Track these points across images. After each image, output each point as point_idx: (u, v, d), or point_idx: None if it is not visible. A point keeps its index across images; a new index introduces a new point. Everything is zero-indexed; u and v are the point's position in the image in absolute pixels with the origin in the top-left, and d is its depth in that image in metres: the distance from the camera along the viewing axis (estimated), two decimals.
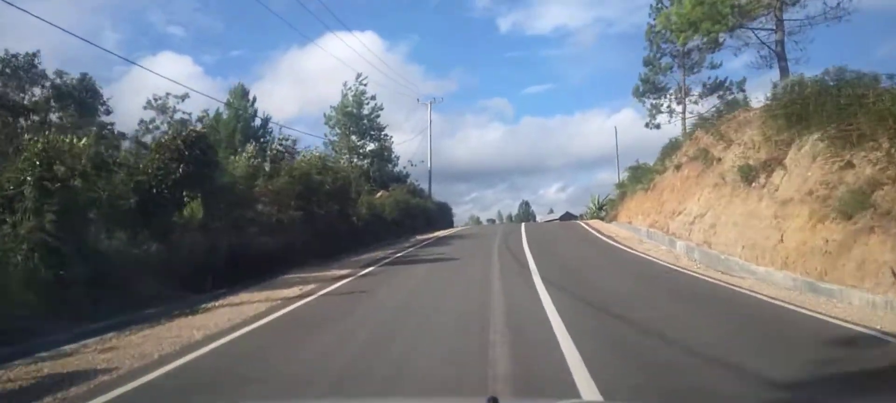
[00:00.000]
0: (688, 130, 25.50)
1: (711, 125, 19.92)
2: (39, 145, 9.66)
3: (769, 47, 23.22)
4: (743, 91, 28.60)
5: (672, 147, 24.53)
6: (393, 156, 39.14)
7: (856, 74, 12.93)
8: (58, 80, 21.46)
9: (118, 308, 9.25)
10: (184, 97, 24.14)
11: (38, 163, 9.27)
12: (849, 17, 21.41)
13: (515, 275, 11.33)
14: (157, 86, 26.46)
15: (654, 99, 33.15)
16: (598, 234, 22.81)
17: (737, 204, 14.34)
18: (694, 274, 11.47)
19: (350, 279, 12.21)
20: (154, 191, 11.58)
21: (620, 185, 32.35)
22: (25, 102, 19.85)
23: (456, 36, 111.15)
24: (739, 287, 9.55)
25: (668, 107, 32.86)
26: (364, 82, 36.88)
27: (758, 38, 23.67)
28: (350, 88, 36.96)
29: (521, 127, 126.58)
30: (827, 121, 11.98)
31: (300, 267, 14.70)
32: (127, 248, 10.65)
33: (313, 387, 4.49)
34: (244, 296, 10.09)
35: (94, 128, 13.19)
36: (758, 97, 18.25)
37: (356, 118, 36.92)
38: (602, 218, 33.36)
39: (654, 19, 30.48)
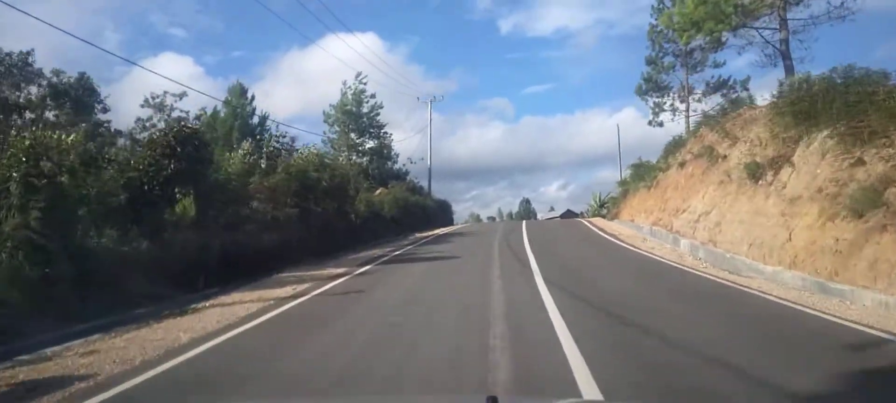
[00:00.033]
0: (692, 128, 25.21)
1: (716, 122, 19.62)
2: (27, 141, 9.40)
3: (774, 46, 22.98)
4: (747, 89, 28.46)
5: (676, 144, 24.26)
6: (392, 153, 38.94)
7: (864, 72, 12.69)
8: (54, 79, 21.32)
9: (107, 307, 8.97)
10: (182, 95, 23.97)
11: (24, 159, 8.99)
12: (853, 16, 21.19)
13: (517, 275, 11.04)
14: (159, 86, 26.20)
15: (657, 97, 32.96)
16: (600, 232, 22.52)
17: (743, 202, 14.04)
18: (701, 274, 11.17)
19: (346, 278, 11.92)
20: (145, 187, 11.29)
21: (623, 183, 32.10)
22: (21, 100, 19.68)
23: (456, 37, 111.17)
24: (749, 287, 9.25)
25: (672, 105, 32.70)
26: (363, 81, 36.68)
27: (762, 36, 23.43)
28: (349, 87, 36.77)
29: (522, 126, 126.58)
30: (836, 119, 11.70)
31: (296, 265, 14.43)
32: (117, 246, 10.38)
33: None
34: (236, 296, 9.80)
35: (84, 125, 12.87)
36: (763, 95, 18.04)
37: (355, 116, 36.67)
38: (604, 216, 33.11)
39: (657, 19, 30.25)
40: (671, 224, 18.85)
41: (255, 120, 30.48)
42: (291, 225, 16.17)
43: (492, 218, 75.33)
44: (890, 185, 9.34)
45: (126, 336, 6.63)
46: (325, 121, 37.36)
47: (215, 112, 27.98)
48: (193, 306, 8.95)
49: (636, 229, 21.74)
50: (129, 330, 7.10)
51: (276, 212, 15.94)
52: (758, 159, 14.40)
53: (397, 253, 17.73)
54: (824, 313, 7.07)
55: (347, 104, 36.57)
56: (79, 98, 22.23)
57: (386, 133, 38.07)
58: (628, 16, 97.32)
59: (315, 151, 21.00)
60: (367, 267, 13.82)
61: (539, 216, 71.87)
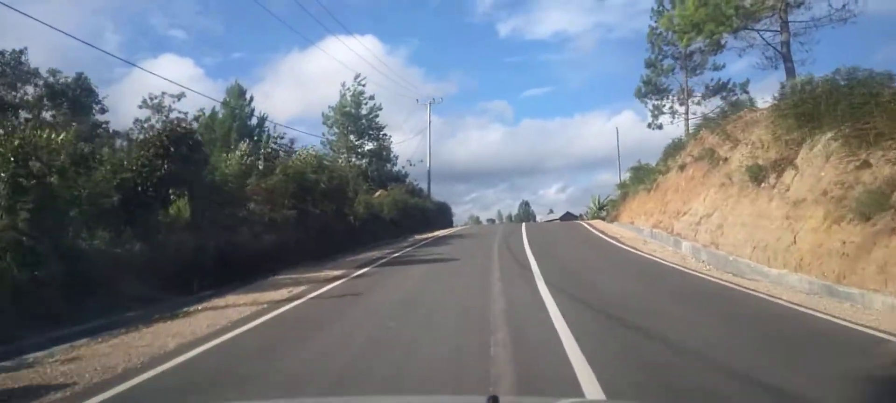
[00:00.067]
0: (692, 130, 25.05)
1: (717, 125, 19.46)
2: (16, 141, 9.19)
3: (775, 48, 22.84)
4: (746, 92, 28.32)
5: (676, 147, 24.12)
6: (392, 155, 38.73)
7: (868, 73, 12.53)
8: (51, 79, 21.11)
9: (98, 310, 8.77)
10: (180, 96, 23.72)
11: (12, 159, 8.78)
12: (855, 18, 21.04)
13: (517, 278, 10.84)
14: (158, 87, 26.01)
15: (657, 100, 32.83)
16: (600, 235, 22.33)
17: (745, 205, 13.87)
18: (705, 277, 10.98)
19: (343, 280, 11.71)
20: (139, 188, 11.07)
21: (622, 185, 31.94)
22: (14, 100, 19.49)
23: (456, 40, 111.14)
24: (755, 291, 9.05)
25: (671, 108, 32.57)
26: (362, 82, 36.48)
27: (763, 39, 23.29)
28: (348, 88, 36.57)
29: (521, 128, 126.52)
30: (840, 120, 11.54)
31: (293, 267, 14.23)
32: (109, 248, 10.15)
33: None
34: (230, 299, 9.59)
35: (75, 124, 12.66)
36: (764, 98, 17.85)
37: (354, 118, 36.47)
38: (603, 219, 32.93)
39: (656, 21, 30.12)
40: (672, 226, 18.68)
41: (254, 121, 30.31)
42: (289, 227, 15.97)
43: (491, 221, 75.26)
44: None
45: (112, 342, 6.41)
46: (324, 123, 37.20)
47: (213, 113, 27.79)
48: (185, 309, 8.73)
49: (636, 231, 21.56)
50: (117, 335, 6.88)
51: (274, 214, 15.73)
52: (760, 162, 14.23)
53: (396, 255, 17.53)
54: (836, 317, 6.87)
55: (346, 106, 36.38)
56: (76, 98, 22.04)
57: (385, 135, 37.92)
58: (627, 19, 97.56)
59: (313, 153, 20.82)
60: (366, 270, 13.61)
61: (538, 218, 71.74)
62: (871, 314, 7.12)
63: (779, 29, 21.95)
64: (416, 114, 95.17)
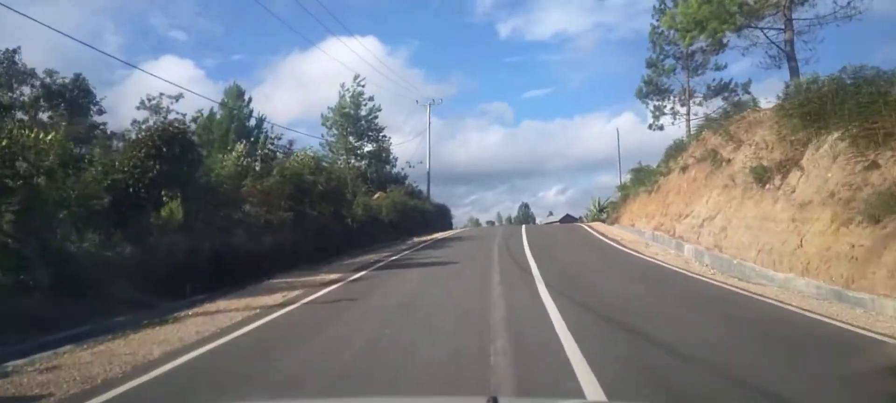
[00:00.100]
0: (693, 131, 24.82)
1: (719, 125, 19.21)
2: (3, 141, 8.94)
3: (778, 47, 22.58)
4: (748, 92, 28.15)
5: (677, 148, 23.91)
6: (391, 157, 38.44)
7: (875, 72, 12.31)
8: (47, 79, 20.89)
9: (86, 315, 8.52)
10: (178, 97, 23.48)
11: None
12: (860, 16, 20.80)
13: (518, 282, 10.59)
14: (157, 88, 25.76)
15: (658, 100, 32.65)
16: (601, 237, 22.08)
17: (749, 207, 13.63)
18: (709, 281, 10.72)
19: (339, 284, 11.45)
20: (130, 190, 10.82)
21: (622, 187, 31.71)
22: (7, 100, 19.23)
23: (456, 41, 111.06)
24: (763, 296, 8.79)
25: (672, 108, 32.38)
26: (361, 83, 36.21)
27: (766, 37, 23.05)
28: (347, 89, 36.30)
29: (521, 130, 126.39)
30: (847, 120, 11.29)
31: (289, 270, 13.97)
32: (99, 251, 9.90)
33: None
34: (222, 304, 9.33)
35: (64, 124, 12.42)
36: (767, 98, 17.65)
37: (353, 119, 36.20)
38: (603, 221, 32.71)
39: (658, 20, 29.89)
40: (673, 229, 18.44)
41: (252, 122, 30.01)
42: (285, 230, 15.72)
43: (491, 223, 75.03)
44: None
45: (96, 349, 6.15)
46: (323, 124, 36.90)
47: (212, 114, 27.52)
48: (175, 315, 8.48)
49: (638, 234, 21.32)
50: (102, 342, 6.62)
51: (270, 216, 15.48)
52: (764, 163, 13.99)
53: (394, 258, 17.28)
54: (850, 324, 6.60)
55: (345, 107, 36.11)
56: (74, 99, 21.83)
57: (384, 136, 37.64)
58: (627, 20, 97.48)
59: (311, 154, 20.58)
60: (363, 273, 13.36)
61: (538, 220, 71.53)
62: (885, 320, 6.86)
63: (783, 27, 21.72)
64: (416, 116, 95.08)
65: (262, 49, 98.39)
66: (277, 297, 9.71)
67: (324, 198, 19.06)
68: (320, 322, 7.52)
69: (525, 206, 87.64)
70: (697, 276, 11.47)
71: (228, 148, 19.20)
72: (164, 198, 11.15)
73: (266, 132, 26.85)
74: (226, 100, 29.07)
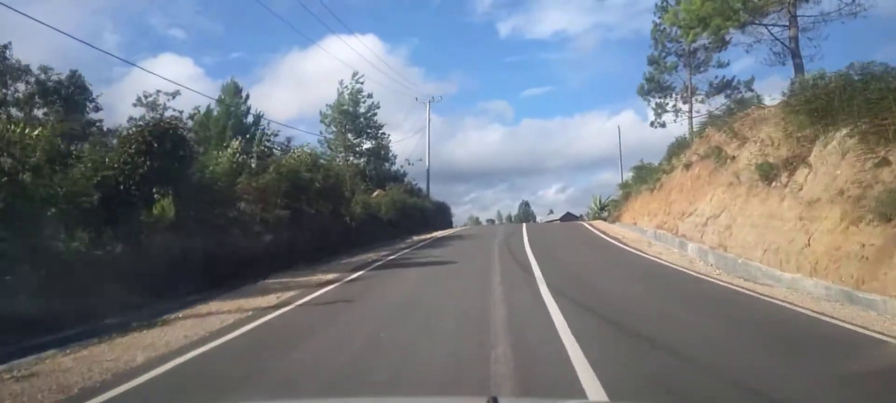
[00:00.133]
0: (696, 129, 24.55)
1: (723, 122, 18.93)
2: None
3: (783, 43, 22.27)
4: (751, 90, 27.90)
5: (680, 145, 23.64)
6: (390, 154, 38.15)
7: (884, 67, 12.03)
8: (42, 76, 20.62)
9: (73, 317, 8.24)
10: (175, 94, 23.13)
11: None
12: (865, 13, 20.49)
13: (519, 281, 10.33)
14: (154, 85, 25.49)
15: (660, 98, 32.43)
16: (603, 236, 21.82)
17: (755, 205, 13.35)
18: (716, 282, 10.43)
19: (336, 285, 11.18)
20: (121, 187, 10.53)
21: (624, 185, 31.46)
22: (3, 97, 18.98)
23: (456, 40, 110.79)
24: (772, 297, 8.52)
25: (674, 106, 32.13)
26: (360, 80, 35.92)
27: (770, 33, 22.74)
28: (346, 86, 36.01)
29: (521, 128, 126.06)
30: (857, 116, 11.01)
31: (286, 270, 13.70)
32: (88, 250, 9.63)
33: None
34: (214, 305, 9.05)
35: (52, 119, 12.14)
36: (772, 95, 17.36)
37: (352, 116, 35.91)
38: (604, 219, 32.45)
39: (660, 17, 29.59)
40: (676, 227, 18.17)
41: (250, 119, 29.69)
42: (282, 228, 15.44)
43: (491, 221, 74.76)
44: None
45: (79, 354, 5.88)
46: (321, 122, 36.63)
47: (209, 111, 27.21)
48: (165, 317, 8.20)
49: (640, 232, 21.05)
50: (87, 346, 6.35)
51: (266, 214, 15.20)
52: (770, 160, 13.71)
53: (393, 257, 17.01)
54: (865, 328, 6.31)
55: (344, 104, 35.82)
56: (69, 96, 21.53)
57: (384, 134, 37.35)
58: (627, 19, 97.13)
59: (308, 151, 20.29)
60: (361, 273, 13.09)
61: (538, 219, 71.26)
62: None
63: (787, 23, 21.41)
64: (416, 113, 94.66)
65: (262, 47, 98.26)
66: (271, 298, 9.44)
67: (321, 196, 18.78)
68: (315, 325, 7.26)
69: (525, 204, 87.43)
70: (702, 276, 11.21)
71: (224, 145, 18.93)
72: (156, 196, 10.88)
73: (263, 129, 26.57)
74: (223, 97, 28.76)
